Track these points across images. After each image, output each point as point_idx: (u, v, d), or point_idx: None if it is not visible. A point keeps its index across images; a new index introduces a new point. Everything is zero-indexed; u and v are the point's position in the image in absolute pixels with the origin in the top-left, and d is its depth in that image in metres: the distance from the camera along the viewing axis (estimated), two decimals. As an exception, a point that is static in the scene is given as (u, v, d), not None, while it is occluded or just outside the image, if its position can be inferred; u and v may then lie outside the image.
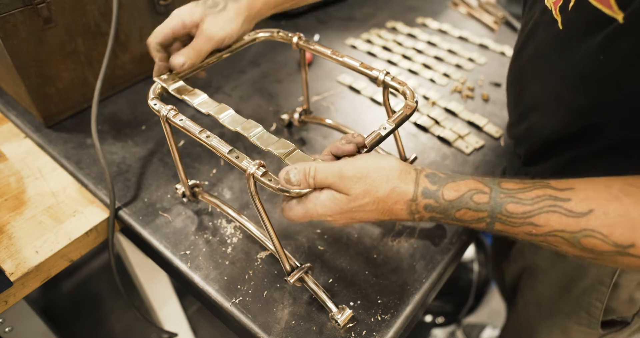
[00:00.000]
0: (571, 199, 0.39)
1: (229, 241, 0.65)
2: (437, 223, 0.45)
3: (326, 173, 0.44)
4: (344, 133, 0.69)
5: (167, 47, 0.62)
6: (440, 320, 1.48)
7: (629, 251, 0.37)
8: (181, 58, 0.59)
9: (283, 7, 0.67)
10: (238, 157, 0.47)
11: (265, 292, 0.59)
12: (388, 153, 0.69)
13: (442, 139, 0.81)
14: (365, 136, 0.50)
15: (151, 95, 0.57)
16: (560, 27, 0.49)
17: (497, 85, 0.94)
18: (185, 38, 0.62)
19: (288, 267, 0.54)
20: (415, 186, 0.45)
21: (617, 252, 0.37)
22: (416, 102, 0.54)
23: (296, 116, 0.77)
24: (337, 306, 0.54)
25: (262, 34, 0.67)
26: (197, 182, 0.67)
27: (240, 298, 0.58)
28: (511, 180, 0.43)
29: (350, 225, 0.49)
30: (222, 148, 0.49)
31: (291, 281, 0.53)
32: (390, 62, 0.98)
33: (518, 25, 1.10)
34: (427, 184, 0.44)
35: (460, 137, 0.81)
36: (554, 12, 0.50)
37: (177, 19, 0.60)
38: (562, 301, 0.72)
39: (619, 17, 0.40)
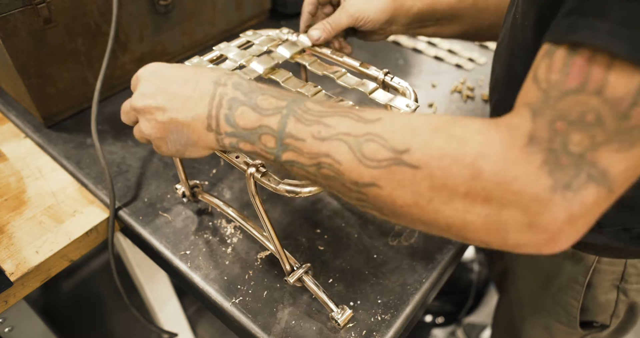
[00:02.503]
0: (365, 110, 0.38)
1: (229, 241, 0.65)
2: (228, 125, 0.41)
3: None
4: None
5: (317, 5, 0.66)
6: (440, 320, 1.48)
7: (403, 158, 0.34)
8: (317, 32, 0.62)
9: (425, 30, 0.68)
10: (238, 157, 0.47)
11: (265, 292, 0.59)
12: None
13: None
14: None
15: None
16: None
17: (497, 85, 0.94)
18: (330, 4, 0.66)
19: (288, 267, 0.54)
20: (235, 72, 0.45)
21: (393, 159, 0.34)
22: (416, 101, 0.54)
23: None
24: (337, 306, 0.54)
25: (265, 32, 0.67)
26: (197, 182, 0.67)
27: (240, 298, 0.58)
28: None
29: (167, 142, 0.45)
30: (222, 147, 0.49)
31: (291, 281, 0.53)
32: (390, 62, 0.98)
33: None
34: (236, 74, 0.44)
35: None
36: None
37: None
38: (542, 299, 0.73)
39: None
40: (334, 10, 0.66)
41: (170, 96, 0.43)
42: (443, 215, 0.34)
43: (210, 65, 0.61)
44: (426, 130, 0.34)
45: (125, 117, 0.48)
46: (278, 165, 0.41)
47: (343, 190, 0.38)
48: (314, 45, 0.63)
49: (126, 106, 0.47)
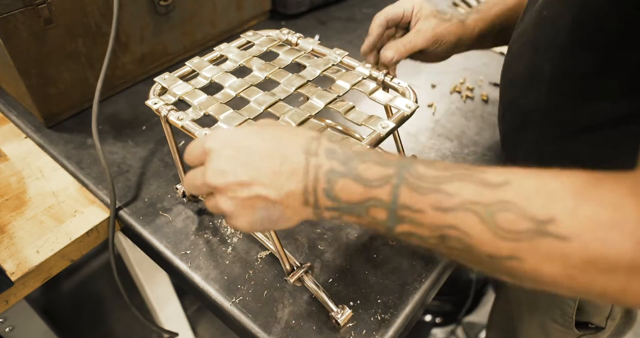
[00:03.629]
0: (486, 171, 0.34)
1: (229, 241, 0.65)
2: (328, 200, 0.37)
3: None
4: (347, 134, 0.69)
5: (386, 28, 0.64)
6: (439, 319, 1.48)
7: (548, 230, 0.30)
8: (390, 53, 0.61)
9: (485, 45, 0.70)
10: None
11: (265, 292, 0.59)
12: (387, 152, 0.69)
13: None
14: (365, 137, 0.51)
15: (151, 95, 0.57)
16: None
17: (497, 85, 0.94)
18: (396, 26, 0.65)
19: (288, 267, 0.54)
20: (321, 134, 0.40)
21: (536, 231, 0.31)
22: (416, 102, 0.54)
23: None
24: (337, 306, 0.54)
25: (266, 33, 0.68)
26: (198, 182, 0.67)
27: (240, 298, 0.58)
28: None
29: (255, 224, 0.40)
30: (223, 148, 0.49)
31: (291, 281, 0.54)
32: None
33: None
34: (334, 137, 0.41)
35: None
36: None
37: (409, 3, 0.63)
38: (539, 297, 0.72)
39: None
40: (395, 31, 0.66)
41: (254, 170, 0.38)
42: (599, 284, 0.30)
43: (211, 65, 0.61)
44: (567, 195, 0.31)
45: (194, 190, 0.42)
46: (391, 236, 0.37)
47: (473, 260, 0.35)
48: (386, 66, 0.63)
49: (195, 179, 0.41)
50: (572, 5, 0.46)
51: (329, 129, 0.43)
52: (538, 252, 0.31)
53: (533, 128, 0.57)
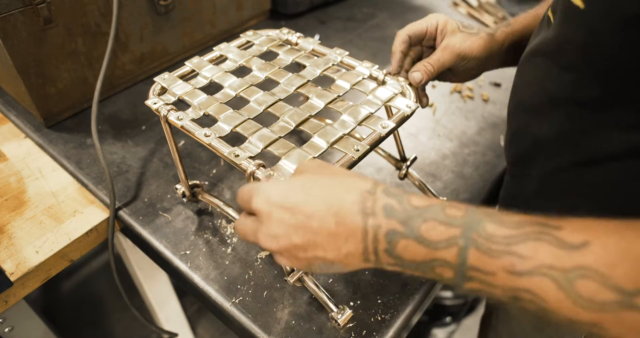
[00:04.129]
0: (563, 227, 0.31)
1: (229, 241, 0.65)
2: (390, 258, 0.36)
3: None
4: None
5: (409, 45, 0.61)
6: (440, 320, 1.48)
7: (636, 302, 0.27)
8: (418, 75, 0.58)
9: (517, 61, 0.64)
10: (238, 157, 0.48)
11: (265, 292, 0.59)
12: (388, 154, 0.69)
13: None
14: (365, 137, 0.50)
15: (151, 95, 0.57)
16: (552, 21, 0.48)
17: (497, 85, 0.94)
18: (420, 43, 0.62)
19: (288, 267, 0.54)
20: (376, 184, 0.37)
21: (621, 303, 0.28)
22: (416, 101, 0.54)
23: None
24: (337, 306, 0.54)
25: (266, 33, 0.67)
26: (197, 182, 0.67)
27: (240, 298, 0.58)
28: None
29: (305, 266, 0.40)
30: (222, 148, 0.49)
31: (291, 281, 0.54)
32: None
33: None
34: (390, 188, 0.37)
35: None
36: (549, 12, 0.50)
37: (434, 19, 0.60)
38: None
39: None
40: (422, 51, 0.63)
41: (308, 234, 0.36)
42: None
43: (211, 65, 0.61)
44: None
45: (245, 240, 0.42)
46: (458, 289, 0.35)
47: (550, 319, 0.32)
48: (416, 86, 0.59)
49: (247, 234, 0.40)
50: (579, 31, 0.42)
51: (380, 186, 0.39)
52: (624, 324, 0.29)
53: (544, 157, 0.52)
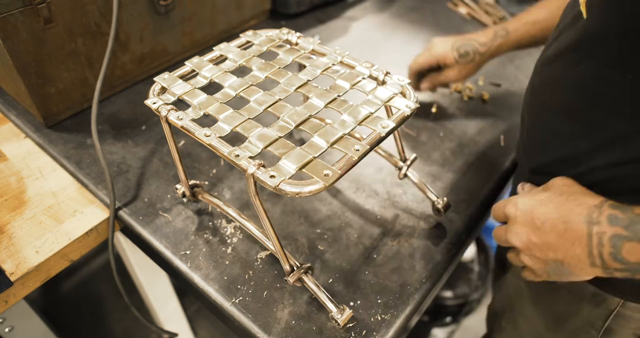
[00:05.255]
0: None
1: (229, 241, 0.65)
2: (616, 262, 0.40)
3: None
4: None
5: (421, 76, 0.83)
6: (440, 320, 1.48)
7: None
8: (426, 85, 0.85)
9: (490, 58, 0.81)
10: (238, 157, 0.48)
11: (265, 292, 0.59)
12: (388, 154, 0.69)
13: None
14: (365, 137, 0.50)
15: (151, 95, 0.57)
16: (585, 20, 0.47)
17: (497, 85, 0.94)
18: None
19: (288, 267, 0.54)
20: (604, 200, 0.42)
21: None
22: (416, 101, 0.54)
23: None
24: (337, 306, 0.54)
25: (266, 33, 0.67)
26: (197, 182, 0.67)
27: (240, 298, 0.58)
28: None
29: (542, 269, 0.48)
30: (222, 147, 0.49)
31: (291, 281, 0.54)
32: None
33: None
34: (616, 203, 0.41)
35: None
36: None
37: (441, 52, 0.78)
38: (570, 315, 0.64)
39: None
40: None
41: (544, 235, 0.45)
42: None
43: (210, 65, 0.61)
44: None
45: (499, 242, 0.52)
46: None
47: None
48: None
49: (500, 235, 0.51)
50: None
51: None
52: None
53: (579, 160, 0.51)
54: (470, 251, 1.50)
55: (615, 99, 0.45)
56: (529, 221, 0.46)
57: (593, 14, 0.45)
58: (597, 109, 0.47)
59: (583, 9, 0.47)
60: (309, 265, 0.55)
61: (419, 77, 0.86)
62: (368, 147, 0.49)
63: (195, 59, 0.62)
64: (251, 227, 0.61)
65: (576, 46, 0.48)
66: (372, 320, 0.56)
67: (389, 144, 0.70)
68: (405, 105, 0.53)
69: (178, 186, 0.67)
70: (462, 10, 1.17)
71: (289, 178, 0.46)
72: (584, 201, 0.43)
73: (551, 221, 0.44)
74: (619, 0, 0.41)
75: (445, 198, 0.66)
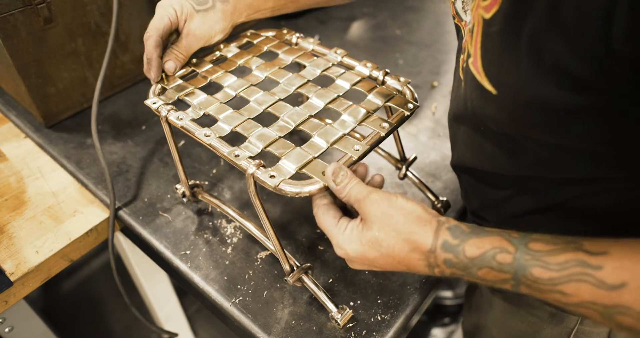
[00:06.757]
0: (603, 267, 0.35)
1: (229, 241, 0.65)
2: (461, 279, 0.43)
3: (360, 189, 0.45)
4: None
5: (164, 46, 0.61)
6: (440, 320, 1.48)
7: None
8: (172, 63, 0.59)
9: (263, 13, 0.66)
10: (238, 157, 0.48)
11: (265, 292, 0.59)
12: (388, 154, 0.69)
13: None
14: (365, 137, 0.50)
15: (151, 95, 0.57)
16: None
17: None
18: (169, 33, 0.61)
19: (288, 267, 0.54)
20: (435, 238, 0.42)
21: None
22: (416, 101, 0.54)
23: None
24: (337, 306, 0.54)
25: (265, 33, 0.67)
26: (197, 182, 0.67)
27: (240, 298, 0.58)
28: (542, 238, 0.39)
29: (365, 269, 0.48)
30: (222, 148, 0.49)
31: (291, 281, 0.53)
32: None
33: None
34: (448, 237, 0.41)
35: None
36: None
37: (170, 10, 0.58)
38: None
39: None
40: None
41: (384, 268, 0.46)
42: None
43: (210, 65, 0.61)
44: None
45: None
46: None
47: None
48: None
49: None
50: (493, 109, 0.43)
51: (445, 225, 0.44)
52: None
53: (499, 210, 0.54)
54: (470, 251, 1.50)
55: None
56: (366, 263, 0.46)
57: (467, 90, 0.46)
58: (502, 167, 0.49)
59: (461, 72, 0.47)
60: (309, 265, 0.55)
61: (163, 50, 0.62)
62: (368, 147, 0.49)
63: (195, 59, 0.62)
64: (251, 227, 0.61)
65: (461, 116, 0.50)
66: (372, 320, 0.56)
67: (389, 144, 0.70)
68: (405, 105, 0.53)
69: (178, 186, 0.67)
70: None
71: (289, 178, 0.46)
72: (417, 246, 0.42)
73: (390, 265, 0.45)
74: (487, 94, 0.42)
75: (445, 198, 0.66)
